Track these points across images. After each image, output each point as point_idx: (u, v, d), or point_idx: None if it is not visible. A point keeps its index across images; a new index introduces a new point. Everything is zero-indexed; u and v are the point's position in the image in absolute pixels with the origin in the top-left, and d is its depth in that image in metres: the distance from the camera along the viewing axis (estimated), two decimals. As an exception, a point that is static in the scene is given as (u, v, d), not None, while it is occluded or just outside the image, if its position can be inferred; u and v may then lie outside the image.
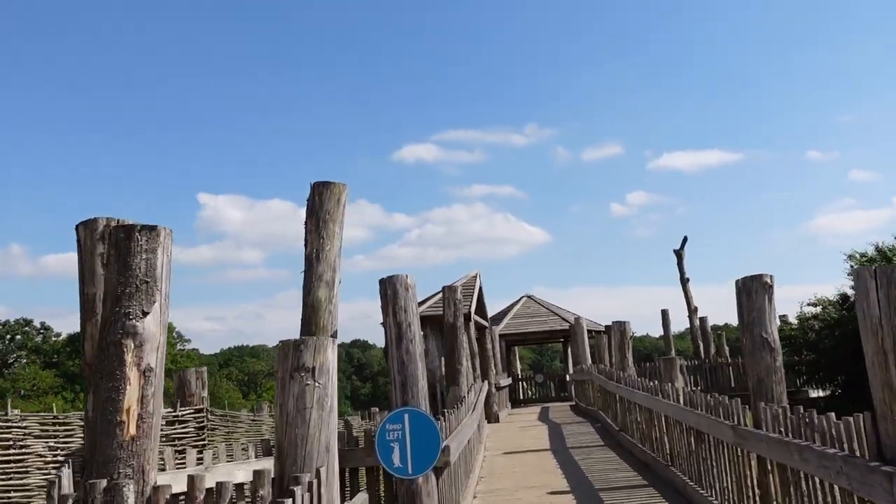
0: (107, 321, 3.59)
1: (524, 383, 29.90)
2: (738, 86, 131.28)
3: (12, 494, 7.02)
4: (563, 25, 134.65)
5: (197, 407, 8.85)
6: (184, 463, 5.90)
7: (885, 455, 3.59)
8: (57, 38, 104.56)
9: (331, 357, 3.64)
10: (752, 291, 6.13)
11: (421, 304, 18.80)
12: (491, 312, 24.97)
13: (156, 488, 3.40)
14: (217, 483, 3.35)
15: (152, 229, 3.72)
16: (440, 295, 16.18)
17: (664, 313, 30.03)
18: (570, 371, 26.84)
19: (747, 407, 6.29)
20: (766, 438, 5.23)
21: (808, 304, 21.66)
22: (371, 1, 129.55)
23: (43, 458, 7.35)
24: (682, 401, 8.42)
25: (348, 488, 6.79)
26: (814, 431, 4.53)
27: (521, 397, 28.61)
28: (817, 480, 4.58)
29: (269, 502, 3.19)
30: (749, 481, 6.19)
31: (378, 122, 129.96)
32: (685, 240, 32.04)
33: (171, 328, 72.29)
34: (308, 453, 3.47)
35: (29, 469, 7.24)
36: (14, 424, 7.31)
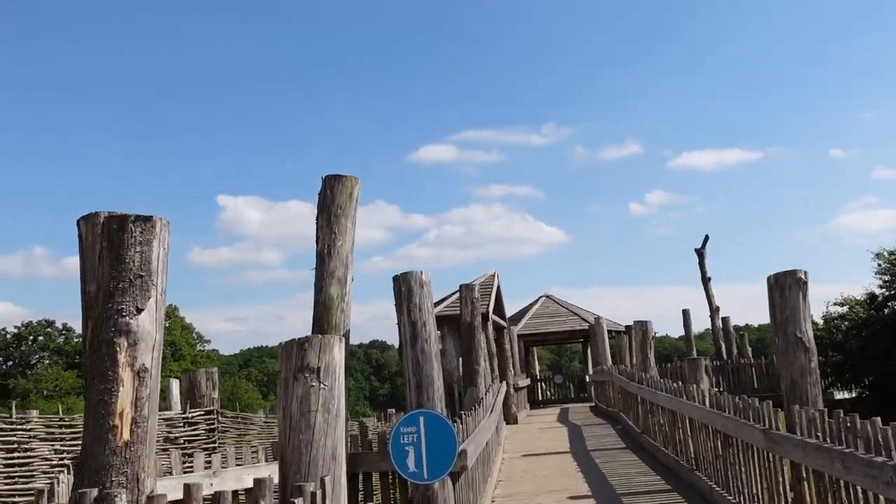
0: (99, 319, 3.37)
1: (543, 384, 29.56)
2: (759, 84, 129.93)
3: (17, 499, 6.85)
4: (580, 25, 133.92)
5: (207, 409, 8.65)
6: (192, 467, 5.70)
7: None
8: (79, 41, 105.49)
9: (338, 357, 3.39)
10: (786, 288, 5.82)
11: (438, 303, 18.54)
12: (509, 312, 24.68)
13: (150, 497, 3.17)
14: (216, 493, 3.11)
15: (147, 220, 3.49)
16: (457, 294, 15.92)
17: (685, 313, 29.53)
18: (590, 372, 26.46)
19: (778, 409, 5.99)
20: (802, 444, 4.92)
21: (835, 304, 21.18)
22: (389, 2, 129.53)
23: (49, 462, 7.17)
24: (708, 403, 8.10)
25: (362, 491, 6.56)
26: (856, 437, 4.22)
27: (540, 398, 28.28)
28: (859, 490, 4.28)
29: (269, 513, 2.96)
30: (781, 488, 5.88)
31: (396, 123, 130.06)
32: (706, 238, 31.54)
33: (190, 329, 73.04)
34: (312, 460, 3.23)
35: (34, 473, 7.07)
36: (19, 427, 7.13)
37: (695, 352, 29.73)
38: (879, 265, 19.89)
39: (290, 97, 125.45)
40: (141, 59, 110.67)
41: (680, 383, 9.90)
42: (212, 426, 8.56)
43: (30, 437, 7.13)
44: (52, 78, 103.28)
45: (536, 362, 34.49)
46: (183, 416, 8.46)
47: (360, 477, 6.52)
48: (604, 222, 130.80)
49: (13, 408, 7.81)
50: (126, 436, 3.26)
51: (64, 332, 71.45)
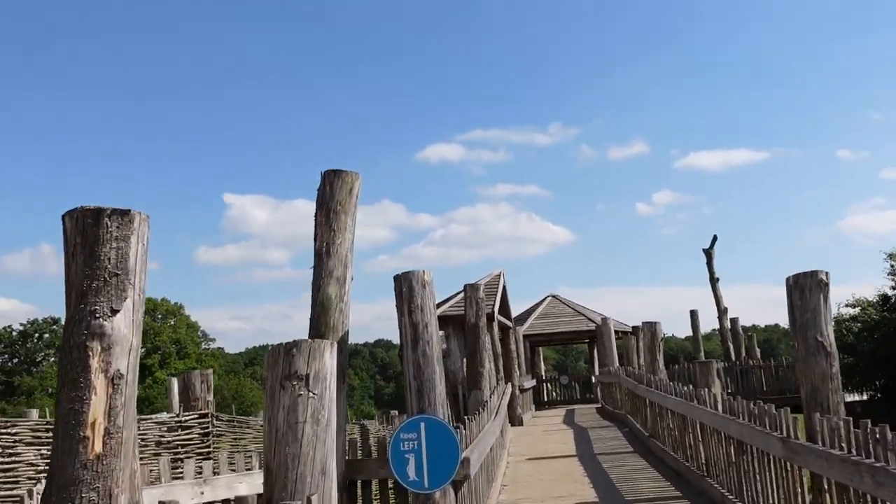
0: (70, 320, 3.12)
1: (549, 385, 29.27)
2: (766, 84, 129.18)
3: (1, 505, 6.61)
4: (587, 24, 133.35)
5: (202, 412, 8.39)
6: (181, 474, 5.45)
7: None
8: (84, 40, 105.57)
9: (328, 363, 3.13)
10: (806, 290, 5.54)
11: (443, 303, 18.26)
12: (515, 312, 24.39)
13: (124, 515, 2.92)
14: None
15: (124, 214, 3.23)
16: (462, 294, 15.64)
17: (693, 314, 29.22)
18: (596, 373, 26.16)
19: (795, 417, 5.71)
20: (825, 455, 4.64)
21: (847, 305, 20.81)
22: (395, 1, 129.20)
23: (35, 467, 6.92)
24: (720, 408, 7.82)
25: (361, 498, 6.31)
26: (886, 450, 3.94)
27: (546, 399, 27.99)
28: (889, 506, 4.00)
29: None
30: (800, 499, 5.60)
31: (402, 122, 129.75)
32: (715, 238, 31.23)
33: (196, 327, 72.99)
34: (300, 476, 2.97)
35: (19, 478, 6.83)
36: (4, 431, 6.88)
37: (702, 353, 29.42)
38: (892, 266, 19.54)
39: (296, 96, 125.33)
40: (147, 58, 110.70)
41: (691, 387, 9.61)
42: (206, 430, 8.30)
43: (15, 441, 6.89)
44: (58, 77, 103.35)
45: (542, 363, 34.18)
46: (176, 419, 8.20)
47: (359, 485, 6.27)
48: (610, 222, 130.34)
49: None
50: (98, 448, 3.00)
51: (70, 330, 71.36)
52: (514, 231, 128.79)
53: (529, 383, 23.02)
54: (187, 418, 8.29)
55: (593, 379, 26.96)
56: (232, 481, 5.44)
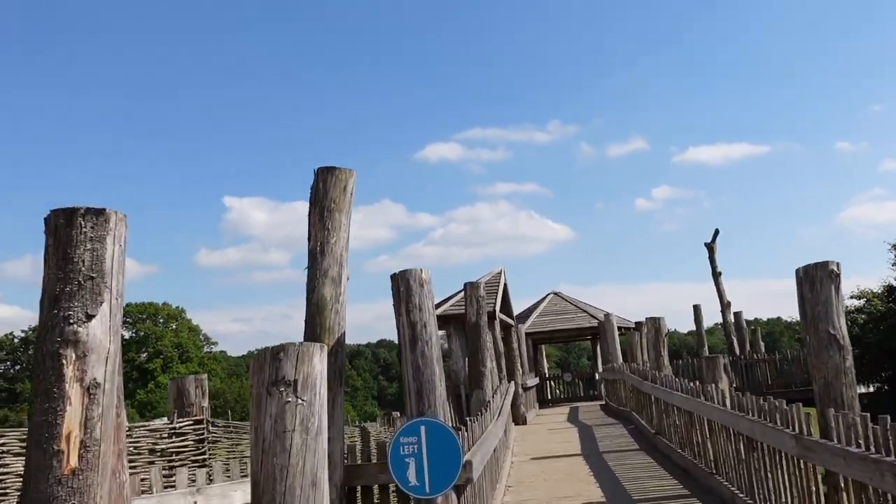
0: (43, 327, 2.93)
1: (552, 382, 29.06)
2: (764, 78, 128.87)
3: (-12, 518, 6.43)
4: (585, 22, 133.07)
5: (196, 418, 8.19)
6: (174, 483, 5.27)
7: None
8: (82, 41, 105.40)
9: (318, 367, 2.94)
10: (817, 281, 5.35)
11: (443, 302, 18.09)
12: (516, 311, 24.20)
13: (102, 534, 2.74)
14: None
15: (99, 213, 3.05)
16: (463, 293, 15.44)
17: (696, 308, 29.00)
18: (600, 369, 25.98)
19: (808, 413, 5.52)
20: (843, 453, 4.45)
21: (852, 297, 20.60)
22: (392, 2, 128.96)
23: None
24: (729, 404, 7.63)
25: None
26: (908, 447, 3.75)
27: (549, 397, 27.80)
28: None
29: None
30: (815, 497, 5.41)
31: (401, 122, 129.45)
32: (717, 232, 30.98)
33: (197, 331, 72.83)
34: (289, 489, 2.78)
35: (7, 491, 6.64)
36: (-9, 441, 6.71)
37: (706, 348, 29.20)
38: (897, 256, 19.34)
39: (294, 97, 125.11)
40: (145, 59, 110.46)
41: (697, 382, 9.42)
42: (201, 437, 8.10)
43: (3, 451, 6.71)
44: (57, 78, 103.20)
45: (545, 360, 33.98)
46: (170, 426, 8.01)
47: (359, 490, 6.10)
48: (610, 219, 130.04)
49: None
50: (73, 462, 2.82)
51: (71, 335, 71.28)
52: (514, 229, 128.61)
53: (533, 381, 22.83)
54: (181, 425, 8.09)
55: (597, 376, 26.77)
56: (227, 489, 5.26)
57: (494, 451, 8.80)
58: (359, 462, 6.24)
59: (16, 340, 67.08)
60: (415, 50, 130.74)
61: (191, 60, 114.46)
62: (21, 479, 7.10)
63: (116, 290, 3.07)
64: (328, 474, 5.90)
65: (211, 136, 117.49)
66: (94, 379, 2.93)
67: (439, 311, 17.38)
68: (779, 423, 5.83)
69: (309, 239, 6.15)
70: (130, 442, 7.25)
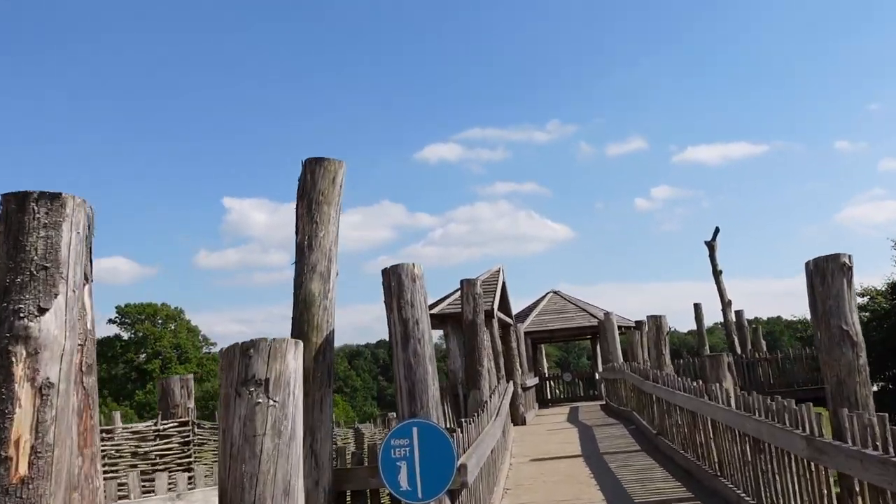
0: (-10, 321, 2.68)
1: (551, 382, 28.79)
2: (763, 78, 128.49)
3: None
4: (584, 21, 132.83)
5: (182, 419, 7.92)
6: (152, 489, 5.02)
7: None
8: (83, 41, 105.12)
9: (292, 365, 2.69)
10: (828, 275, 5.09)
11: (441, 301, 17.82)
12: (515, 310, 23.95)
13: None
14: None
15: (54, 198, 2.80)
16: (460, 291, 15.18)
17: (697, 307, 28.75)
18: (600, 369, 25.72)
19: (820, 413, 5.27)
20: (860, 456, 4.19)
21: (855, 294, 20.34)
22: (391, 2, 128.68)
23: None
24: (734, 404, 7.37)
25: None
26: (931, 450, 3.50)
27: (549, 397, 27.53)
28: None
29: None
30: (827, 501, 5.16)
31: (400, 123, 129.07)
32: (717, 230, 30.71)
33: (196, 332, 72.55)
34: (258, 497, 2.53)
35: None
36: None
37: (707, 347, 28.95)
38: (900, 254, 19.09)
39: (294, 98, 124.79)
40: (144, 59, 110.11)
41: (700, 382, 9.16)
42: (187, 439, 7.83)
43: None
44: (54, 79, 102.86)
45: (545, 360, 33.70)
46: (154, 428, 7.73)
47: (349, 495, 5.84)
48: (610, 218, 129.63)
49: None
50: (23, 470, 2.57)
51: (70, 336, 71.06)
52: (513, 229, 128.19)
53: (532, 381, 22.57)
54: (166, 427, 7.83)
55: (597, 375, 26.51)
56: (209, 495, 5.01)
57: (492, 452, 8.54)
58: (349, 465, 5.98)
59: None
60: (414, 50, 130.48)
61: (190, 60, 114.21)
62: None
63: (74, 281, 2.82)
64: (317, 478, 5.64)
65: (210, 136, 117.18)
66: (48, 378, 2.67)
67: (436, 309, 17.12)
68: (788, 424, 5.58)
69: (296, 233, 5.90)
70: (112, 445, 7.00)
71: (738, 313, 28.44)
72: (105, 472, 7.54)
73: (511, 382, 17.19)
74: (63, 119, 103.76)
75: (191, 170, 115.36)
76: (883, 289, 19.49)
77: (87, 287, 4.68)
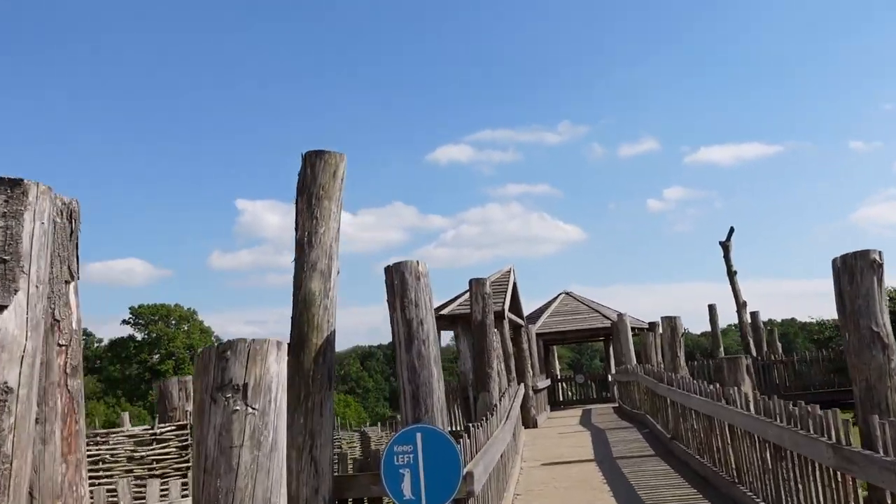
0: (-57, 320, 2.44)
1: (563, 384, 28.49)
2: (777, 77, 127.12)
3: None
4: (594, 21, 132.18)
5: (179, 423, 7.69)
6: (143, 496, 4.79)
7: None
8: (94, 41, 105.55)
9: (274, 369, 2.43)
10: (857, 273, 4.80)
11: (451, 301, 17.57)
12: (527, 311, 23.66)
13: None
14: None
15: (15, 185, 2.56)
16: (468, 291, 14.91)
17: (711, 308, 28.37)
18: (612, 371, 25.39)
19: (849, 420, 4.97)
20: (895, 467, 3.89)
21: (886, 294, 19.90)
22: (400, 2, 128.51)
23: None
24: (753, 409, 7.07)
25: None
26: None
27: (561, 399, 27.23)
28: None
29: None
30: (855, 514, 4.86)
31: (411, 125, 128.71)
32: (732, 230, 30.32)
33: (209, 332, 72.54)
34: (235, 517, 2.27)
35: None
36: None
37: (721, 349, 28.55)
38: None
39: (304, 99, 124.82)
40: (156, 61, 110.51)
41: (717, 385, 8.86)
42: (185, 443, 7.60)
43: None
44: (65, 79, 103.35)
45: (557, 362, 33.37)
46: (151, 432, 7.51)
47: (350, 504, 5.59)
48: (622, 219, 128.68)
49: None
50: (-24, 484, 2.33)
51: (84, 337, 71.46)
52: (525, 230, 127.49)
53: (543, 383, 22.27)
54: (163, 430, 7.59)
55: (609, 377, 26.18)
56: None
57: (501, 457, 8.27)
58: (350, 472, 5.73)
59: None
60: (424, 52, 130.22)
61: (200, 62, 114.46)
62: None
63: (37, 276, 2.58)
64: (316, 486, 5.39)
65: (223, 138, 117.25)
66: (5, 383, 2.43)
67: (447, 310, 16.87)
68: (812, 431, 5.28)
69: (296, 229, 5.66)
70: (107, 449, 6.79)
71: (754, 315, 28.02)
72: (100, 476, 7.33)
73: (522, 384, 16.91)
74: (75, 121, 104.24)
75: (204, 172, 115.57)
76: (903, 289, 19.03)
77: (72, 285, 4.46)
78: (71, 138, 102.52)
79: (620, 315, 22.12)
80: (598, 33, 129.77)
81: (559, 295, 29.21)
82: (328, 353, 5.42)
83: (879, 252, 4.82)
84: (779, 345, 28.12)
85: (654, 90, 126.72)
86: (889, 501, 4.27)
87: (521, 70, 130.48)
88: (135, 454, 7.28)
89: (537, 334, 24.61)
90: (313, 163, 5.67)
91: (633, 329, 22.31)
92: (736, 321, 31.77)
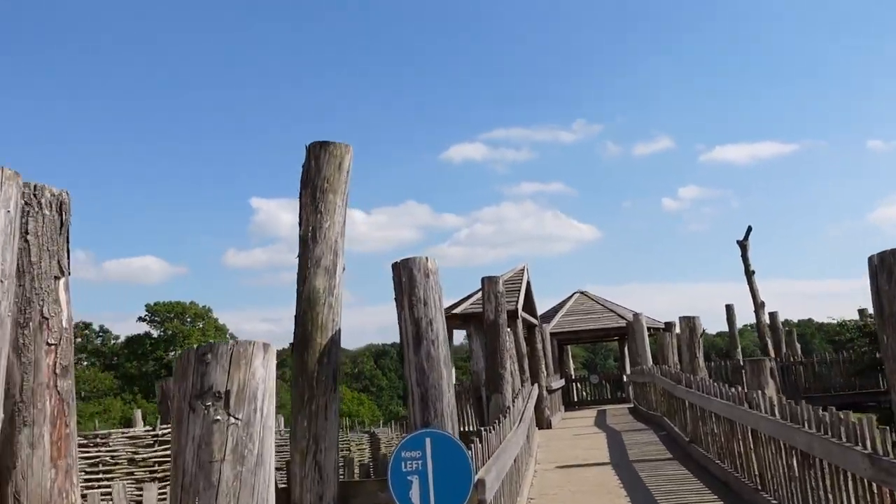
0: None
1: (578, 384, 28.16)
2: (793, 76, 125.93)
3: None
4: (608, 20, 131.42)
5: (181, 424, 7.49)
6: (141, 500, 4.56)
7: None
8: (113, 42, 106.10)
9: (260, 373, 2.18)
10: (895, 271, 4.47)
11: (463, 300, 17.32)
12: (541, 310, 23.36)
13: None
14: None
15: (-23, 169, 2.32)
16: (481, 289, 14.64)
17: (729, 308, 27.90)
18: (627, 371, 25.04)
19: (886, 428, 4.66)
20: (942, 482, 3.59)
21: None
22: (414, 1, 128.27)
23: None
24: (779, 414, 6.76)
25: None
26: None
27: (575, 399, 26.92)
28: None
29: None
30: (892, 529, 4.54)
31: (424, 123, 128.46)
32: (749, 229, 29.83)
33: (224, 330, 72.71)
34: (214, 541, 2.02)
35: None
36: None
37: (739, 349, 28.09)
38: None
39: (319, 98, 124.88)
40: (171, 60, 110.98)
41: (739, 388, 8.54)
42: (186, 445, 7.39)
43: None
44: (83, 79, 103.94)
45: (571, 361, 33.04)
46: (153, 433, 7.29)
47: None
48: (637, 218, 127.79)
49: None
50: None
51: (101, 334, 71.87)
52: (539, 229, 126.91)
53: (558, 383, 21.96)
54: (165, 432, 7.37)
55: (624, 378, 25.83)
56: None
57: (515, 461, 8.00)
58: (356, 477, 5.49)
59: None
60: (438, 50, 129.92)
61: (217, 61, 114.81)
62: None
63: (1, 269, 2.35)
64: (320, 492, 5.14)
65: (238, 137, 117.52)
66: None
67: (459, 309, 16.61)
68: (845, 439, 4.98)
69: (300, 224, 5.42)
70: (108, 451, 6.58)
71: (773, 315, 27.54)
72: (99, 479, 7.15)
73: (536, 385, 16.62)
74: (90, 120, 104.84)
75: (219, 171, 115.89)
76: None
77: (62, 281, 4.23)
78: (87, 136, 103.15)
79: (636, 315, 21.77)
80: (613, 32, 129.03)
81: (573, 294, 28.88)
82: (333, 354, 5.18)
83: (920, 248, 4.50)
84: (797, 346, 27.65)
85: (669, 89, 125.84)
86: (932, 517, 3.97)
87: (535, 69, 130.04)
88: (135, 456, 7.08)
89: (551, 334, 24.31)
90: (317, 154, 5.43)
91: (648, 329, 21.96)
92: (751, 321, 31.31)
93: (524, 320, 17.52)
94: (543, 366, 18.87)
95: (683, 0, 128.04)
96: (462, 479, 4.66)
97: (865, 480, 4.74)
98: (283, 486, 5.16)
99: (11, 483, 3.80)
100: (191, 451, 2.09)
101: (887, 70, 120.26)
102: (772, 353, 25.59)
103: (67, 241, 4.21)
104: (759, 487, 7.72)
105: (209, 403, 2.10)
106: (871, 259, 4.64)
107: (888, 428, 4.54)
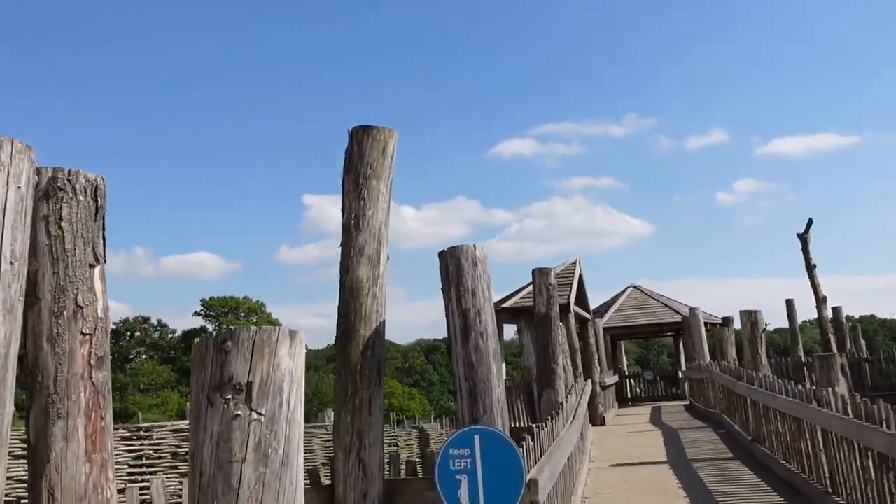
0: None
1: (632, 380, 27.56)
2: (853, 64, 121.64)
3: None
4: (659, 10, 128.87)
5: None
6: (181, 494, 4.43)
7: None
8: (175, 40, 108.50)
9: (286, 364, 1.96)
10: None
11: (513, 294, 17.00)
12: (593, 306, 22.88)
13: None
14: None
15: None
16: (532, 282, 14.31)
17: (789, 303, 26.95)
18: (682, 367, 24.38)
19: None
20: None
21: None
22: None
23: (24, 484, 6.06)
24: (852, 412, 6.32)
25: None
26: None
27: (629, 396, 26.33)
28: None
29: None
30: None
31: (474, 119, 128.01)
32: (810, 222, 28.72)
33: (277, 324, 73.37)
34: (234, 551, 1.81)
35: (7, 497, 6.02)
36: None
37: (801, 346, 27.12)
38: None
39: (369, 94, 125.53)
40: (225, 59, 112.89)
41: (806, 385, 8.07)
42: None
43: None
44: (150, 77, 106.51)
45: (624, 357, 32.39)
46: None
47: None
48: (690, 212, 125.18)
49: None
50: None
51: (159, 328, 73.67)
52: (589, 224, 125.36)
53: (611, 379, 21.48)
54: (178, 429, 7.29)
55: (680, 374, 25.16)
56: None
57: (568, 459, 7.70)
58: (402, 475, 5.28)
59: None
60: (487, 46, 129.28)
61: (275, 59, 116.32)
62: (21, 485, 6.49)
63: (12, 250, 2.18)
64: (364, 490, 4.94)
65: (292, 134, 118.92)
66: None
67: (510, 302, 16.31)
68: (932, 440, 4.57)
69: (342, 211, 5.22)
70: (151, 444, 6.51)
71: (836, 310, 26.47)
72: (143, 473, 7.11)
73: (589, 381, 16.22)
74: (159, 118, 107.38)
75: (272, 168, 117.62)
76: None
77: (97, 269, 4.09)
78: (147, 135, 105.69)
79: (693, 310, 21.14)
80: (665, 23, 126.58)
81: (627, 288, 28.27)
82: (377, 346, 4.98)
83: None
84: (862, 342, 26.55)
85: (723, 81, 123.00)
86: None
87: (585, 62, 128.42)
88: (179, 450, 7.01)
89: (604, 328, 23.82)
90: (360, 139, 5.22)
91: (705, 324, 21.31)
92: (812, 317, 30.22)
93: (576, 315, 17.12)
94: (596, 361, 18.44)
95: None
96: (513, 479, 4.42)
97: (957, 486, 4.32)
98: (327, 482, 4.98)
99: (45, 477, 3.69)
100: (209, 450, 1.88)
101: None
102: (835, 350, 24.63)
103: (103, 229, 4.08)
104: (830, 490, 7.27)
105: (229, 397, 1.88)
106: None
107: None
